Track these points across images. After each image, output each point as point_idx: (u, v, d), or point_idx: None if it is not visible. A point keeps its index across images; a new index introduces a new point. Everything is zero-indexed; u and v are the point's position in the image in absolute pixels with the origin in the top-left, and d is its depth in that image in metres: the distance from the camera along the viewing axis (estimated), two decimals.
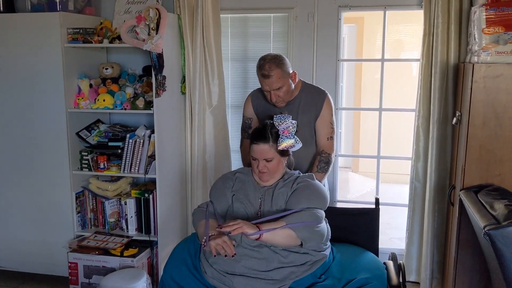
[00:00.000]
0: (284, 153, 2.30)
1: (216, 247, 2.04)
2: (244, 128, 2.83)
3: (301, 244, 2.14)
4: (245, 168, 2.46)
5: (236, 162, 3.63)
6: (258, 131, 2.31)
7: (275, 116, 2.30)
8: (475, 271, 2.75)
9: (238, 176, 2.40)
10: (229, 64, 3.61)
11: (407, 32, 5.93)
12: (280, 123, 2.26)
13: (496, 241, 1.92)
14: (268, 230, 2.05)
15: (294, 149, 2.30)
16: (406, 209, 3.43)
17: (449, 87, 3.08)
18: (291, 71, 2.56)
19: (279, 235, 2.07)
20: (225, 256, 2.04)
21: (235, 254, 2.05)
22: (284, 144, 2.25)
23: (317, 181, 2.33)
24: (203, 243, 2.11)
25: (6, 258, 3.55)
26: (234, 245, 2.08)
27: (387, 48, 3.43)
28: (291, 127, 2.26)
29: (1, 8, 3.27)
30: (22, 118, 3.33)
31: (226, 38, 3.55)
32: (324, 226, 2.21)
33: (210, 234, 2.11)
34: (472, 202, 2.39)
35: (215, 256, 2.08)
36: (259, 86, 2.67)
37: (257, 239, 2.06)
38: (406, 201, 3.43)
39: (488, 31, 2.66)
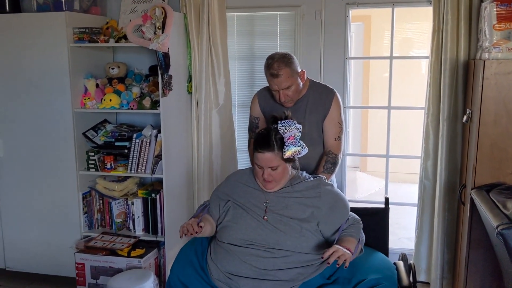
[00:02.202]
0: (289, 159, 2.21)
1: (182, 229, 2.12)
2: (251, 128, 2.79)
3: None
4: (246, 171, 2.39)
5: (242, 162, 3.61)
6: (262, 138, 2.19)
7: (279, 122, 2.19)
8: (487, 271, 2.70)
9: (240, 179, 2.34)
10: (235, 63, 3.59)
11: (414, 30, 5.89)
12: (286, 131, 2.16)
13: (510, 240, 1.89)
14: (356, 250, 2.09)
15: (300, 155, 2.21)
16: (415, 209, 3.39)
17: (459, 85, 3.03)
18: (299, 70, 2.53)
19: (356, 252, 2.12)
20: (191, 234, 2.10)
21: (197, 232, 2.10)
22: (290, 152, 2.16)
23: (336, 189, 2.30)
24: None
25: (13, 258, 3.55)
26: (201, 226, 2.13)
27: (394, 46, 3.40)
28: (296, 133, 2.18)
29: (7, 8, 3.28)
30: (28, 118, 3.33)
31: (232, 37, 3.53)
32: None
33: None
34: (484, 201, 2.35)
35: (181, 237, 2.14)
36: (265, 85, 2.64)
37: None
38: (414, 200, 3.40)
39: (499, 27, 2.61)
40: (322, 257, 1.98)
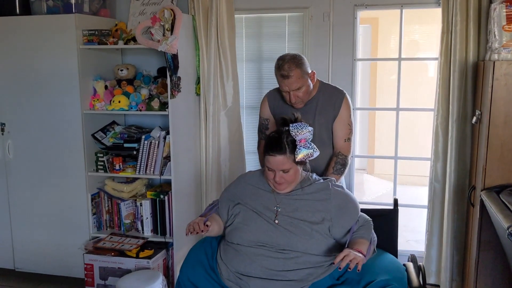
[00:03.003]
0: (301, 162, 2.20)
1: (189, 227, 2.14)
2: (261, 129, 2.80)
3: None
4: (257, 173, 2.39)
5: (250, 164, 3.61)
6: (274, 141, 2.17)
7: (291, 125, 2.18)
8: (497, 273, 2.69)
9: (251, 180, 2.34)
10: (243, 65, 3.59)
11: (422, 32, 5.88)
12: (297, 133, 2.15)
13: None
14: (368, 253, 2.08)
15: (312, 158, 2.20)
16: (422, 211, 3.38)
17: (468, 86, 3.02)
18: (310, 71, 2.53)
19: (369, 253, 2.11)
20: (197, 233, 2.11)
21: (202, 231, 2.12)
22: (302, 155, 2.14)
23: (346, 190, 2.29)
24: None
25: (22, 259, 3.57)
26: (207, 225, 2.15)
27: (402, 48, 3.39)
28: (308, 136, 2.17)
29: (18, 11, 3.30)
30: (38, 120, 3.35)
31: (240, 39, 3.54)
32: None
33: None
34: (494, 203, 2.34)
35: (186, 235, 2.15)
36: (274, 86, 2.64)
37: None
38: (422, 203, 3.38)
39: (509, 28, 2.61)
40: (334, 263, 1.98)
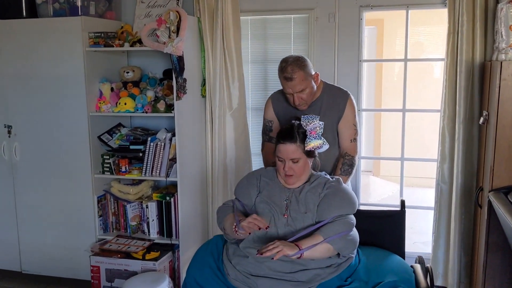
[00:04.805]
0: (310, 154, 2.25)
1: (249, 225, 2.03)
2: (265, 131, 2.79)
3: (338, 254, 2.11)
4: (270, 168, 2.42)
5: (256, 165, 3.60)
6: (285, 131, 2.26)
7: (302, 116, 2.26)
8: (505, 275, 2.67)
9: (263, 175, 2.36)
10: (249, 67, 3.59)
11: (427, 32, 5.85)
12: (308, 123, 2.23)
13: None
14: (308, 248, 2.01)
15: (321, 150, 2.26)
16: (429, 213, 3.36)
17: (475, 86, 3.01)
18: (313, 73, 2.53)
19: (317, 250, 2.04)
20: (259, 229, 2.02)
21: (268, 226, 2.05)
22: (312, 144, 2.21)
23: (345, 186, 2.28)
24: (234, 228, 2.11)
25: (28, 261, 3.58)
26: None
27: (408, 49, 3.37)
28: (318, 128, 2.23)
29: (24, 13, 3.31)
30: (44, 122, 3.36)
31: (246, 40, 3.54)
32: (356, 232, 2.18)
33: (239, 219, 2.11)
34: (503, 204, 2.32)
35: (249, 234, 2.08)
36: (279, 88, 2.64)
37: (298, 258, 2.00)
38: (429, 205, 3.36)
39: None
40: (258, 250, 1.97)
